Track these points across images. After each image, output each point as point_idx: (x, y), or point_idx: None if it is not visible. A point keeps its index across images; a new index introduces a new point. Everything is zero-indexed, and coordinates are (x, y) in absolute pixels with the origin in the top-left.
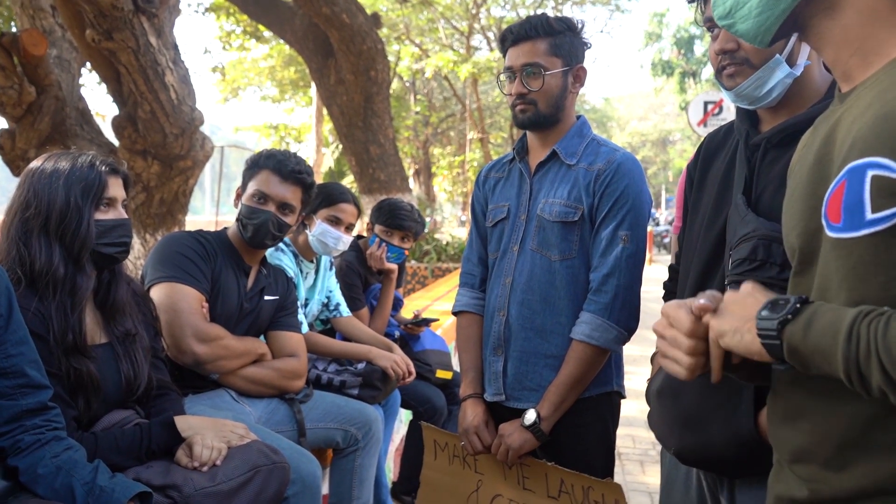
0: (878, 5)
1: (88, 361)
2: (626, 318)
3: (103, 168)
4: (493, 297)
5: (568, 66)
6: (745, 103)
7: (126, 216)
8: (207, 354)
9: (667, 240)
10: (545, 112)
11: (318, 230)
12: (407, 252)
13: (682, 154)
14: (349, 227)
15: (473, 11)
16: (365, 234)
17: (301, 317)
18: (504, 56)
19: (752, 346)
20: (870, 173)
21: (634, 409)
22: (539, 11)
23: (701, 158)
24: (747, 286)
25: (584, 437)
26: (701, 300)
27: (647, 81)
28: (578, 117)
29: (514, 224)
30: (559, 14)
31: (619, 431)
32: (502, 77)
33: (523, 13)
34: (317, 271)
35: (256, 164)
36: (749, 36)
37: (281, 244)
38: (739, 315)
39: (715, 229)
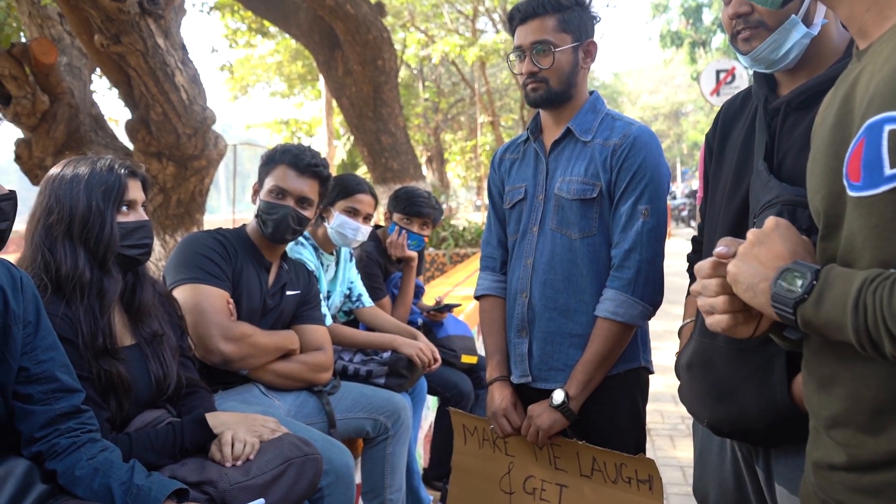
0: None
1: (118, 363)
2: (650, 293)
3: (122, 171)
4: (514, 279)
5: (578, 42)
6: (762, 67)
7: (147, 218)
8: (235, 353)
9: (684, 213)
10: (557, 89)
11: (337, 222)
12: (426, 239)
13: (696, 126)
14: (367, 218)
15: None
16: (383, 223)
17: (324, 309)
18: (512, 36)
19: (765, 309)
20: (887, 128)
21: (661, 384)
22: None
23: (719, 127)
24: (770, 222)
25: (613, 415)
26: (720, 247)
27: (656, 54)
28: (591, 93)
29: (533, 204)
30: None
31: (648, 407)
32: (512, 57)
33: None
34: (337, 263)
35: (272, 160)
36: (762, 1)
37: (301, 238)
38: (755, 269)
39: (737, 198)
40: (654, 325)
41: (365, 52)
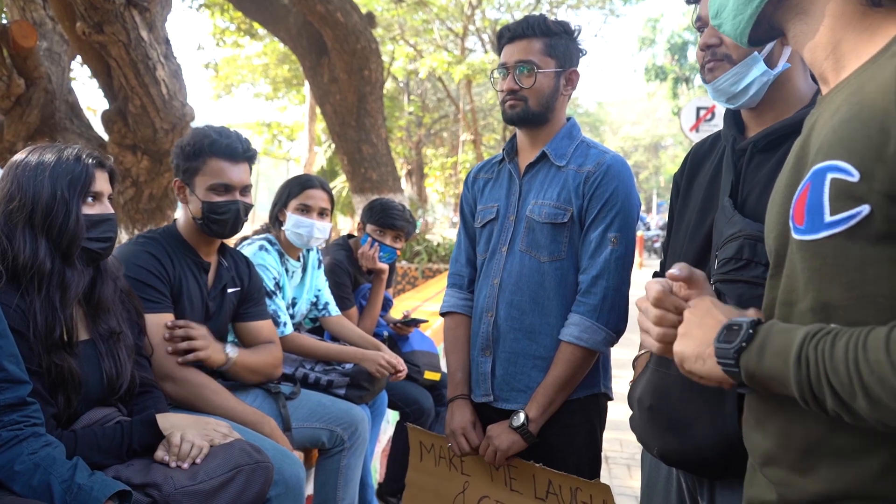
0: (847, 9)
1: (71, 358)
2: (614, 320)
3: (90, 161)
4: (481, 298)
5: (561, 68)
6: (723, 99)
7: (112, 211)
8: (176, 393)
9: (657, 244)
10: (535, 109)
11: (291, 222)
12: (399, 252)
13: (674, 159)
14: (322, 213)
15: (468, 13)
16: (356, 233)
17: (285, 317)
18: (499, 54)
19: (715, 373)
20: (829, 176)
21: (622, 412)
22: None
23: (687, 167)
24: (703, 303)
25: (571, 439)
26: (673, 269)
27: (640, 86)
28: (568, 119)
29: (503, 225)
30: (554, 16)
31: (607, 435)
32: (496, 74)
33: (518, 15)
34: (304, 270)
35: (200, 153)
36: (732, 35)
37: (265, 243)
38: (699, 339)
39: (701, 232)
40: (618, 353)
41: (352, 61)
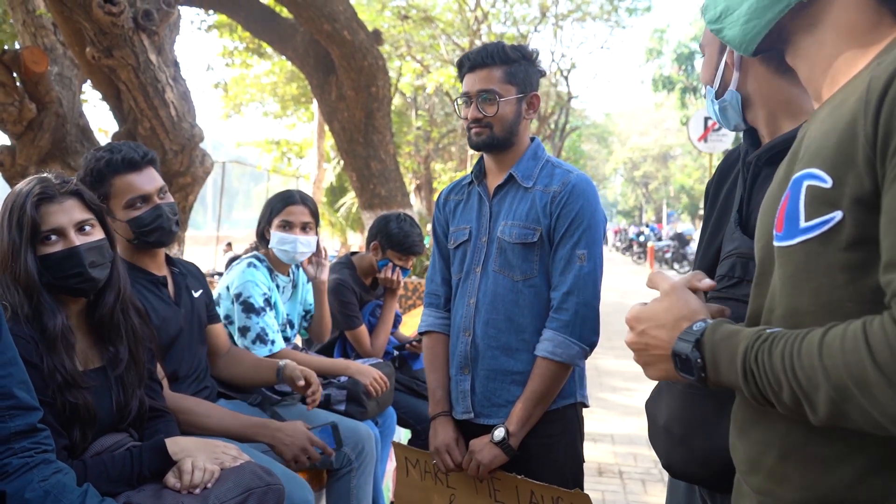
0: (858, 22)
1: (85, 392)
2: (587, 334)
3: (33, 200)
4: (458, 318)
5: (522, 94)
6: (730, 128)
7: (77, 243)
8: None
9: (668, 255)
10: (500, 136)
11: (276, 240)
12: (410, 268)
13: (683, 169)
14: (305, 228)
15: (474, 28)
16: (360, 250)
17: (274, 335)
18: (461, 82)
19: (677, 378)
20: (805, 183)
21: (636, 426)
22: (539, 28)
23: (717, 177)
24: (633, 311)
25: (552, 449)
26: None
27: (647, 97)
28: (532, 139)
29: (476, 246)
30: (559, 29)
31: (621, 450)
32: (459, 101)
33: (524, 29)
34: (295, 285)
35: (103, 177)
36: (735, 43)
37: (254, 260)
38: (654, 355)
39: (713, 247)
40: (629, 366)
41: (359, 78)
